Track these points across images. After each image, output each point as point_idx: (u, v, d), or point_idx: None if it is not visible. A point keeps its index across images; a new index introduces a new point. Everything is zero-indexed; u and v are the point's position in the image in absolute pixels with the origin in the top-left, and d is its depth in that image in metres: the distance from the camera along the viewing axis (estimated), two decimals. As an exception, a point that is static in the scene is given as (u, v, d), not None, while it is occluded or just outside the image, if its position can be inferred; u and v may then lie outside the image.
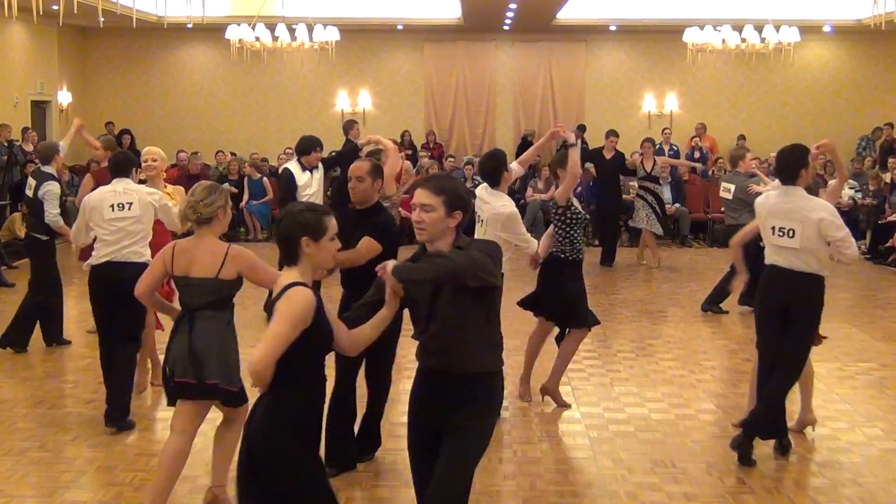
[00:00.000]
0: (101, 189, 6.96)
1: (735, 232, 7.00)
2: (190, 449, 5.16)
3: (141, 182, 7.20)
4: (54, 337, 8.94)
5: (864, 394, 7.79)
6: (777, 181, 6.49)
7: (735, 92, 20.70)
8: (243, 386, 5.10)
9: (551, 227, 7.20)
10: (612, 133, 14.29)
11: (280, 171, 9.89)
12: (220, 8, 18.09)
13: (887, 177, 15.93)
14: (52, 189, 8.51)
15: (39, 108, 19.16)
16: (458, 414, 3.85)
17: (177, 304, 5.34)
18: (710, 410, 7.20)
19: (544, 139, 7.78)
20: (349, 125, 12.82)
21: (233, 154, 18.70)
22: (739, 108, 20.67)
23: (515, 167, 7.26)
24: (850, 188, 16.36)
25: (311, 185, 9.22)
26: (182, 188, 7.93)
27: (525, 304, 7.29)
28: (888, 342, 9.53)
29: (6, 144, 15.86)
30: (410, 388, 4.13)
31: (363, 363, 5.78)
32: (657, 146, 15.68)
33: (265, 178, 17.31)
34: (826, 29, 19.56)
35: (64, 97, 19.86)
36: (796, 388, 6.46)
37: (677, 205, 16.23)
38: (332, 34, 16.71)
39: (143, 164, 7.37)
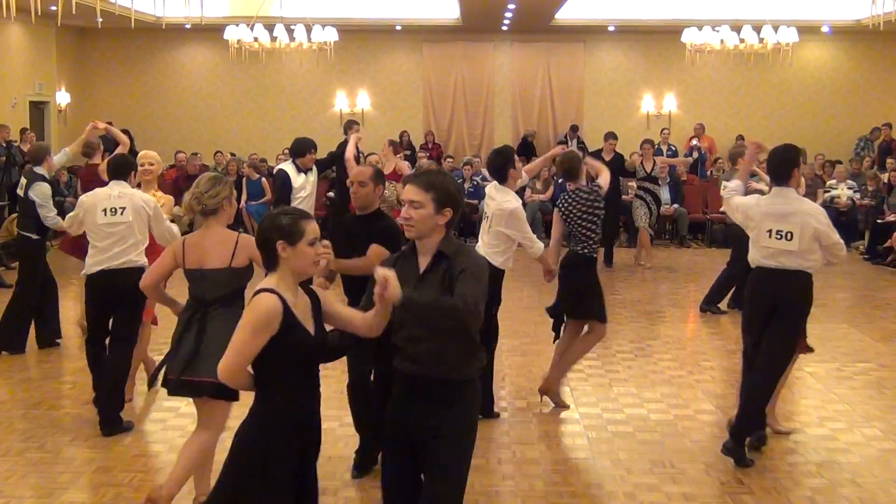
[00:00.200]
0: (97, 191, 6.91)
1: (735, 231, 7.00)
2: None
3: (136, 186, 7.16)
4: (49, 339, 8.92)
5: (862, 394, 7.79)
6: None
7: (733, 92, 20.72)
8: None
9: (557, 232, 7.15)
10: (611, 135, 14.28)
11: (275, 172, 9.89)
12: (218, 8, 18.09)
13: (885, 177, 15.94)
14: (42, 190, 8.51)
15: (38, 109, 19.16)
16: (437, 419, 3.75)
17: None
18: (708, 411, 7.20)
19: (549, 155, 7.96)
20: (349, 125, 12.82)
21: (232, 155, 18.69)
22: (738, 108, 20.69)
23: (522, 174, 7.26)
24: (849, 188, 16.38)
25: (305, 187, 9.23)
26: (171, 198, 7.86)
27: (560, 310, 7.21)
28: (887, 342, 9.53)
29: (4, 145, 15.85)
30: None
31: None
32: (656, 147, 15.69)
33: (263, 179, 17.30)
34: (824, 29, 19.58)
35: (62, 98, 19.86)
36: (786, 385, 6.46)
37: (676, 205, 16.23)
38: (331, 35, 16.70)
39: (139, 168, 7.32)
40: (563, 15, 18.48)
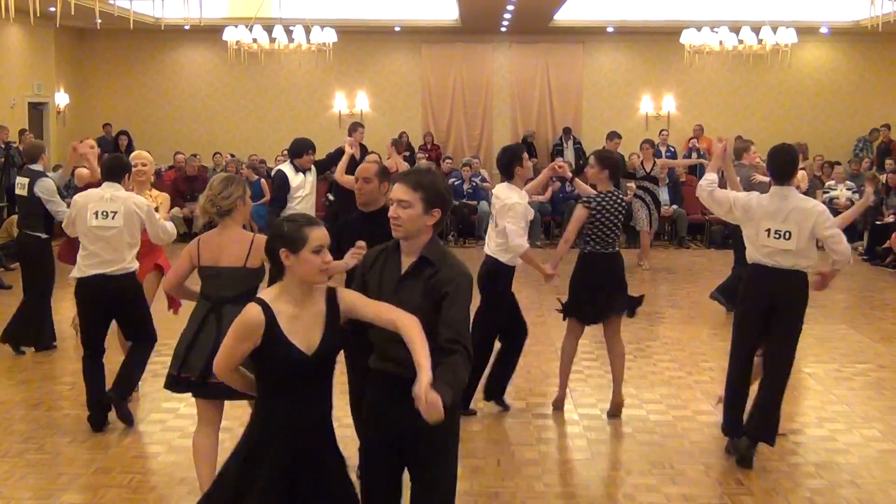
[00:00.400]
0: (90, 191, 6.87)
1: (738, 229, 7.00)
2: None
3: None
4: (47, 340, 8.91)
5: (861, 395, 7.79)
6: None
7: (732, 93, 20.72)
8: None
9: (572, 235, 7.01)
10: (615, 135, 14.24)
11: (273, 172, 9.91)
12: (217, 10, 18.08)
13: (884, 178, 15.94)
14: (47, 185, 8.49)
15: (37, 110, 19.15)
16: (421, 419, 3.61)
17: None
18: (707, 412, 7.19)
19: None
20: (353, 128, 12.79)
21: (231, 156, 18.70)
22: (737, 109, 20.69)
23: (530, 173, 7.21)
24: (848, 189, 16.39)
25: (304, 187, 9.23)
26: (167, 195, 7.86)
27: (594, 317, 7.13)
28: (886, 343, 9.53)
29: (3, 146, 15.85)
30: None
31: None
32: (655, 148, 15.67)
33: (263, 180, 17.30)
34: (823, 30, 19.59)
35: (61, 99, 19.85)
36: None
37: (675, 206, 16.24)
38: (330, 36, 16.70)
39: (132, 169, 7.29)
40: (562, 16, 18.48)
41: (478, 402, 7.08)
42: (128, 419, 6.74)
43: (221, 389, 4.72)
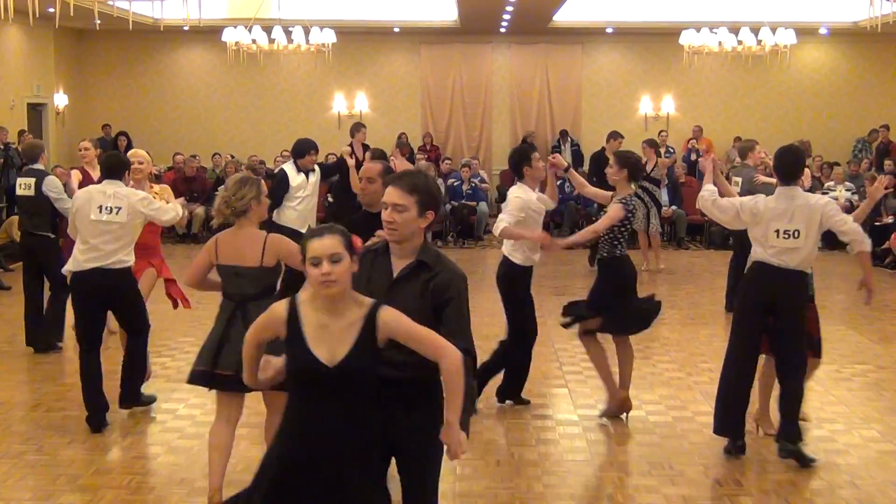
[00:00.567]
0: (90, 188, 6.92)
1: (741, 233, 7.01)
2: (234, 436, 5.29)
3: None
4: (46, 340, 8.91)
5: (860, 396, 7.80)
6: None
7: (731, 94, 20.72)
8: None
9: (600, 228, 6.87)
10: (616, 135, 14.18)
11: (276, 171, 9.96)
12: (216, 10, 18.08)
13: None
14: (55, 183, 8.59)
15: (36, 111, 19.14)
16: (411, 419, 3.69)
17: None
18: (707, 412, 7.17)
19: (549, 171, 7.74)
20: (356, 128, 12.78)
21: (231, 156, 18.69)
22: (736, 110, 20.69)
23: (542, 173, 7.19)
24: (847, 190, 16.39)
25: (305, 188, 9.25)
26: (168, 186, 7.94)
27: (636, 325, 7.06)
28: (885, 344, 9.54)
29: (2, 147, 15.85)
30: None
31: None
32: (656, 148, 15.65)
33: (262, 181, 17.28)
34: (822, 31, 19.59)
35: (60, 100, 19.85)
36: (761, 386, 6.48)
37: (674, 207, 16.24)
38: (329, 36, 16.70)
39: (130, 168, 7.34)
40: (561, 17, 18.48)
41: (478, 402, 7.07)
42: (148, 401, 7.04)
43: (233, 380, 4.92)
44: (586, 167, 17.80)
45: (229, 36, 16.35)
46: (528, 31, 19.95)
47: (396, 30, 20.25)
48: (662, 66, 20.55)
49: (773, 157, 6.26)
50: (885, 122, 19.25)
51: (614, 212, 6.77)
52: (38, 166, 8.68)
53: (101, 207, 6.62)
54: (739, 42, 16.51)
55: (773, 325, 6.09)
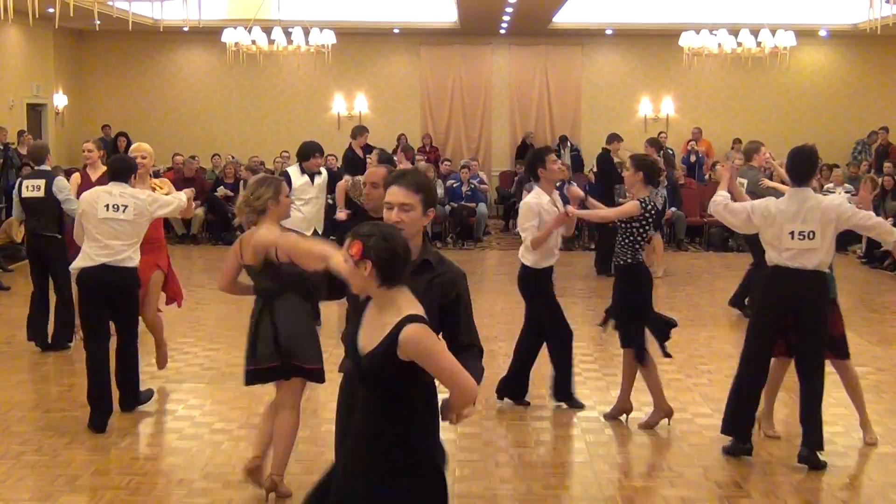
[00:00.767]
0: (96, 189, 6.96)
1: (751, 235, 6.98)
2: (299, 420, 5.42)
3: None
4: (44, 341, 8.90)
5: (860, 398, 7.78)
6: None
7: (731, 96, 20.73)
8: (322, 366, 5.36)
9: (610, 215, 7.02)
10: (616, 137, 14.14)
11: (280, 173, 9.99)
12: (216, 11, 18.08)
13: (882, 181, 15.95)
14: (65, 183, 8.63)
15: (35, 111, 19.15)
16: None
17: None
18: (706, 414, 7.19)
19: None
20: (358, 131, 12.75)
21: (231, 157, 18.68)
22: (735, 112, 20.70)
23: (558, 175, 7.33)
24: (846, 192, 16.38)
25: (308, 191, 9.26)
26: (168, 180, 8.01)
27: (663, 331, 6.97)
28: (884, 346, 9.53)
29: (2, 147, 15.84)
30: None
31: None
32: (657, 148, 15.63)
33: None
34: (822, 33, 19.61)
35: (60, 100, 19.85)
36: (785, 389, 6.46)
37: (673, 209, 16.23)
38: (329, 37, 16.69)
39: None
40: (561, 18, 18.49)
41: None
42: (147, 397, 7.14)
43: (303, 370, 5.20)
44: (586, 170, 17.82)
45: (229, 37, 16.34)
46: (527, 32, 19.96)
47: (396, 31, 20.26)
48: (662, 68, 20.56)
49: (785, 158, 6.23)
50: (885, 125, 19.27)
51: (629, 206, 6.76)
52: (45, 167, 8.70)
53: (108, 206, 6.70)
54: (739, 44, 16.50)
55: (794, 326, 6.06)
